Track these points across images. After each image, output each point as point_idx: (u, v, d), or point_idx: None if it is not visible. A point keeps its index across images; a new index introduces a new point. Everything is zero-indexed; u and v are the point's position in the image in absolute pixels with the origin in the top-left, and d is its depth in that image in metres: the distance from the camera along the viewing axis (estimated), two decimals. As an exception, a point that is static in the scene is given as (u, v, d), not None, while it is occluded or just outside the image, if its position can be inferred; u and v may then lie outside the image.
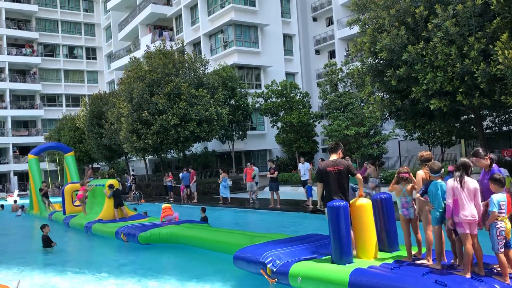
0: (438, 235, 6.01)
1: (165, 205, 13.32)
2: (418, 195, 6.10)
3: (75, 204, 18.48)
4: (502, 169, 6.28)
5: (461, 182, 5.55)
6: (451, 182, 5.63)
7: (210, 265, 9.02)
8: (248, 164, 19.25)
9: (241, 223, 14.86)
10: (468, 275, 5.40)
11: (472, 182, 5.60)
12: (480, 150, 6.01)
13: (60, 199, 24.93)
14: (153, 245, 11.22)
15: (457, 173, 5.63)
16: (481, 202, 5.63)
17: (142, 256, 10.45)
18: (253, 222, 15.16)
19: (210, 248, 9.71)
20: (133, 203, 24.32)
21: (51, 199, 22.85)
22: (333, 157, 6.91)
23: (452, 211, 5.62)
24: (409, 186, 6.53)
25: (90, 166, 26.10)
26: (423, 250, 6.47)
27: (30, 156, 22.90)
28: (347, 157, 12.80)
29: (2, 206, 27.32)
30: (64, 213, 18.19)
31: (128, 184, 29.10)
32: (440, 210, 5.90)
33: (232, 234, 9.59)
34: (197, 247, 10.14)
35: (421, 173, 6.36)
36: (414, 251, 6.55)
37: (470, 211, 5.51)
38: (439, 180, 6.00)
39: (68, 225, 16.38)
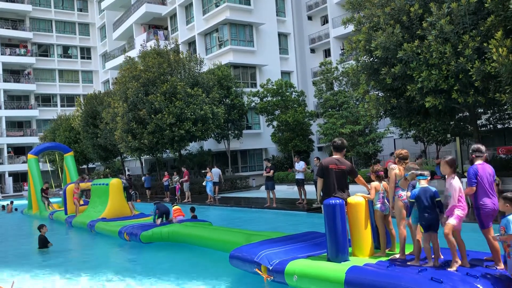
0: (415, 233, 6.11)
1: (175, 207, 13.34)
2: (408, 193, 6.18)
3: None
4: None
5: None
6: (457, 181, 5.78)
7: (210, 263, 9.08)
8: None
9: (239, 222, 14.85)
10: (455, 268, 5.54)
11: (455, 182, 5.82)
12: (480, 146, 6.11)
13: (59, 199, 24.98)
14: (154, 243, 11.30)
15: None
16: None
17: (143, 255, 10.51)
18: (250, 221, 15.14)
19: (210, 246, 9.80)
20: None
21: (51, 199, 22.91)
22: (337, 155, 6.98)
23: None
24: (384, 183, 6.83)
25: (82, 175, 25.92)
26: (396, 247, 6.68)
27: (29, 156, 23.15)
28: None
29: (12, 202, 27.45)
30: (66, 213, 18.47)
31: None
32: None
33: (231, 233, 9.63)
34: (197, 245, 10.24)
35: (395, 170, 6.49)
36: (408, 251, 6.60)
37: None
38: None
39: (71, 224, 16.65)
